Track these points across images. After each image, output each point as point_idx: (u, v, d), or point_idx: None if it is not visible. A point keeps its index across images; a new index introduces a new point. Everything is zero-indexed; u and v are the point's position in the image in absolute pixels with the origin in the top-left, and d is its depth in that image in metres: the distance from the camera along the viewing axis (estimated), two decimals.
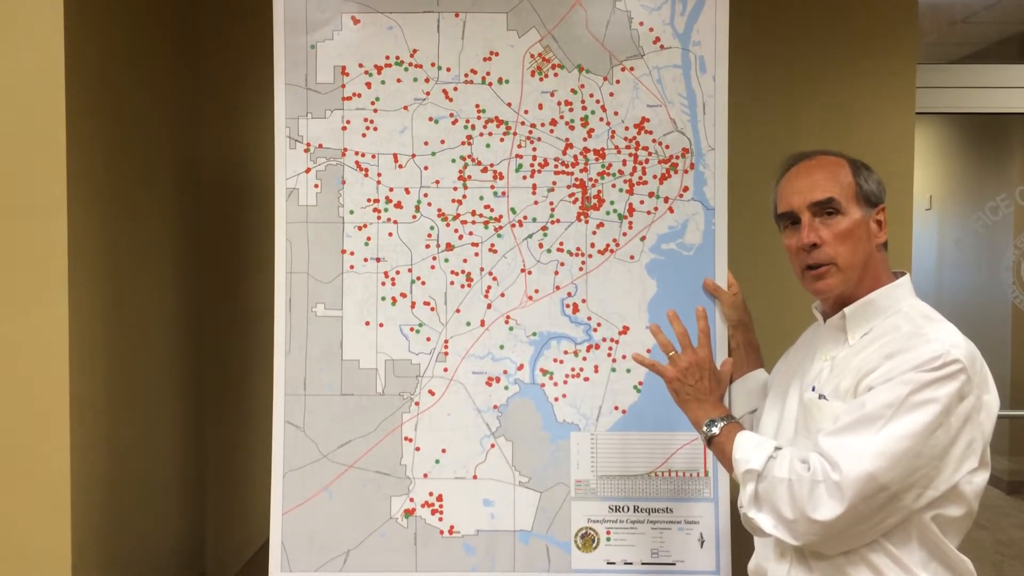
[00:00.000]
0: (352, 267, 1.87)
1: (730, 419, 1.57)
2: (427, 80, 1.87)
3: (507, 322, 1.86)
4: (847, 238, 1.47)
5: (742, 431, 1.52)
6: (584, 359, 1.85)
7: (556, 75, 1.86)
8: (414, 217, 1.87)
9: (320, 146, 1.87)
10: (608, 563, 1.84)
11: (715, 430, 1.55)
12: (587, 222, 1.86)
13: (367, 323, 1.86)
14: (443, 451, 1.85)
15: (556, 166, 1.86)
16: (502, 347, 1.86)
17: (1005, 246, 3.51)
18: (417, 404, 1.86)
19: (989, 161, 3.89)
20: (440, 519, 1.85)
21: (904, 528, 1.36)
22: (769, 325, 1.96)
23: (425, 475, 1.85)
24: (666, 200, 1.85)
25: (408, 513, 1.85)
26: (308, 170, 1.87)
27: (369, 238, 1.86)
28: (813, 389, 1.50)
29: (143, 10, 2.14)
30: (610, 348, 1.85)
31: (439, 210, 1.86)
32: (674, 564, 1.83)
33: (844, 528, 1.34)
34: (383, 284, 1.86)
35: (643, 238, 1.85)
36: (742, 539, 1.77)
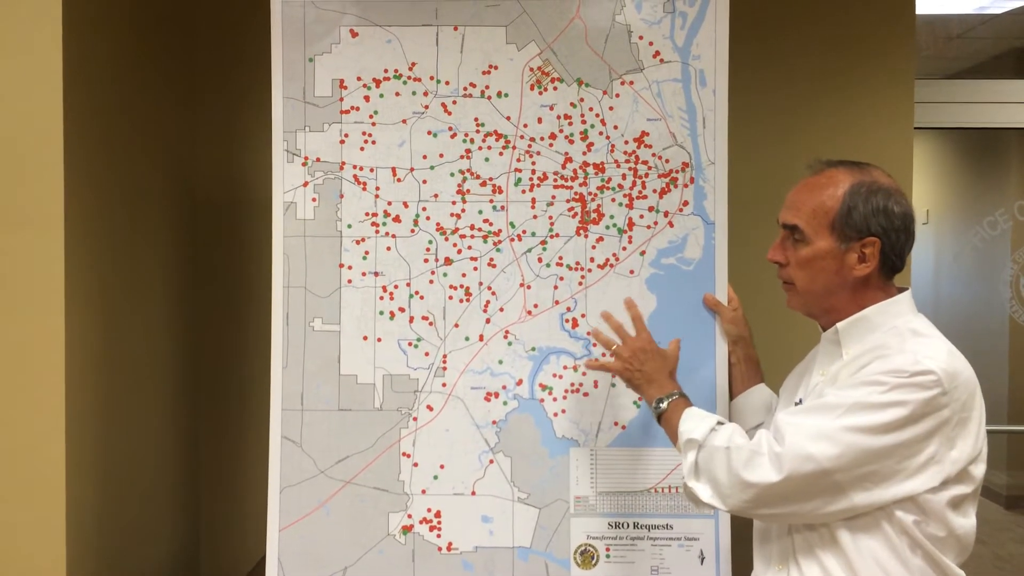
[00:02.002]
0: (350, 281, 1.85)
1: (679, 395, 1.60)
2: (426, 93, 1.86)
3: (506, 337, 1.85)
4: (806, 266, 1.48)
5: (690, 407, 1.56)
6: (584, 374, 1.84)
7: (555, 89, 1.86)
8: (412, 231, 1.86)
9: (318, 160, 1.86)
10: None
11: (663, 406, 1.59)
12: (586, 236, 1.85)
13: (365, 338, 1.85)
14: (441, 467, 1.83)
15: (555, 180, 1.85)
16: (501, 362, 1.85)
17: (1003, 261, 3.52)
18: (415, 419, 1.84)
19: (987, 176, 3.90)
20: (438, 536, 1.83)
21: (898, 537, 1.35)
22: (770, 340, 1.95)
23: (423, 491, 1.83)
24: (666, 214, 1.85)
25: (406, 529, 1.83)
26: (306, 184, 1.86)
27: (367, 252, 1.85)
28: (801, 401, 1.50)
29: (140, 22, 2.14)
30: None
31: (438, 224, 1.86)
32: None
33: (777, 498, 1.36)
34: (381, 298, 1.85)
35: (643, 253, 1.84)
36: (742, 556, 1.76)
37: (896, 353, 1.36)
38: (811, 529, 1.42)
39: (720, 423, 1.49)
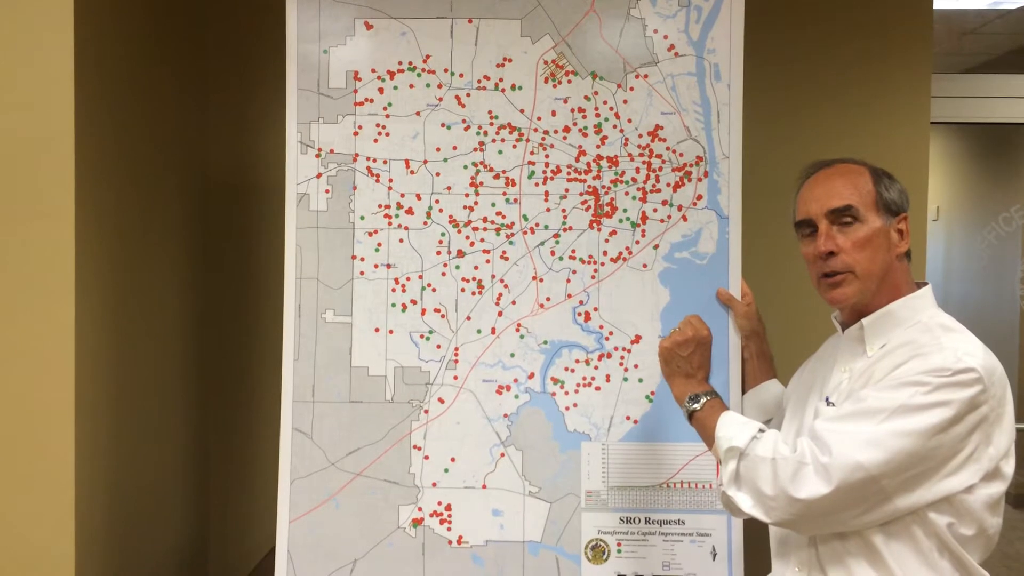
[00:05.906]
0: (362, 273, 1.85)
1: (713, 395, 1.57)
2: (440, 86, 1.85)
3: (518, 330, 1.84)
4: (865, 246, 1.45)
5: (727, 410, 1.52)
6: (596, 368, 1.83)
7: (570, 82, 1.85)
8: (425, 223, 1.85)
9: (331, 151, 1.85)
10: (619, 575, 1.82)
11: (696, 405, 1.55)
12: (600, 230, 1.84)
13: (376, 330, 1.84)
14: (452, 460, 1.83)
15: (569, 173, 1.85)
16: (513, 355, 1.84)
17: (1015, 257, 3.50)
18: (426, 412, 1.84)
19: (1001, 172, 3.88)
20: (448, 529, 1.83)
21: (927, 540, 1.34)
22: (783, 335, 1.94)
23: (434, 484, 1.83)
24: (679, 208, 1.84)
25: (416, 523, 1.83)
26: (319, 175, 1.85)
27: (380, 244, 1.85)
28: (828, 400, 1.48)
29: (153, 13, 2.13)
30: (622, 357, 1.83)
31: (450, 216, 1.85)
32: None
33: (825, 511, 1.33)
34: (393, 290, 1.85)
35: (656, 246, 1.84)
36: (756, 552, 1.75)
37: (934, 351, 1.34)
38: (841, 538, 1.39)
39: (761, 430, 1.45)
